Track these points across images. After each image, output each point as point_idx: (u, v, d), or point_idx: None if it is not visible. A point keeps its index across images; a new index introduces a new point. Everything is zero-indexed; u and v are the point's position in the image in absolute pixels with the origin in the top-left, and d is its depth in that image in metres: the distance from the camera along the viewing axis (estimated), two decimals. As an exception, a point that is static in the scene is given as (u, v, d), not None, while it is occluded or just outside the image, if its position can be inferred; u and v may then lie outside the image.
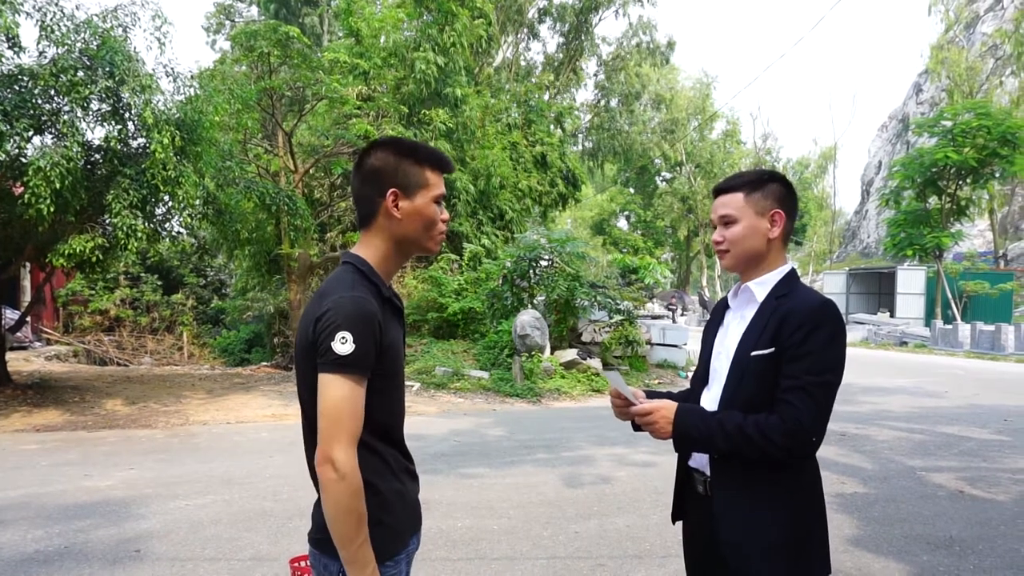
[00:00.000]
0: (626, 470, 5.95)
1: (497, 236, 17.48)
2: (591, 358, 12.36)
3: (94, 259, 8.26)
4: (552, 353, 12.04)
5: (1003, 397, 10.76)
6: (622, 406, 1.77)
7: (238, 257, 15.21)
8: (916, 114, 41.59)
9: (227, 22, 30.38)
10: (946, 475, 5.83)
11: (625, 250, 42.07)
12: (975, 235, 35.70)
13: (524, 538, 4.21)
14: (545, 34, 30.86)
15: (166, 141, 7.75)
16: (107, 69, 7.69)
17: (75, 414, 8.61)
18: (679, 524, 1.92)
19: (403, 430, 1.58)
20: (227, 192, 9.99)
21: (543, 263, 13.31)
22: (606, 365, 12.58)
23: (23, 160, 7.55)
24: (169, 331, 19.94)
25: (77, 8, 8.12)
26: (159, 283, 20.10)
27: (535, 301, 13.18)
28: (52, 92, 7.72)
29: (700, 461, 1.75)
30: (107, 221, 8.32)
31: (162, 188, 7.86)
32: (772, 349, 1.62)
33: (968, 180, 23.15)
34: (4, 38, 7.65)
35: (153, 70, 8.39)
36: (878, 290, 30.10)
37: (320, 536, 1.44)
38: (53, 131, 7.89)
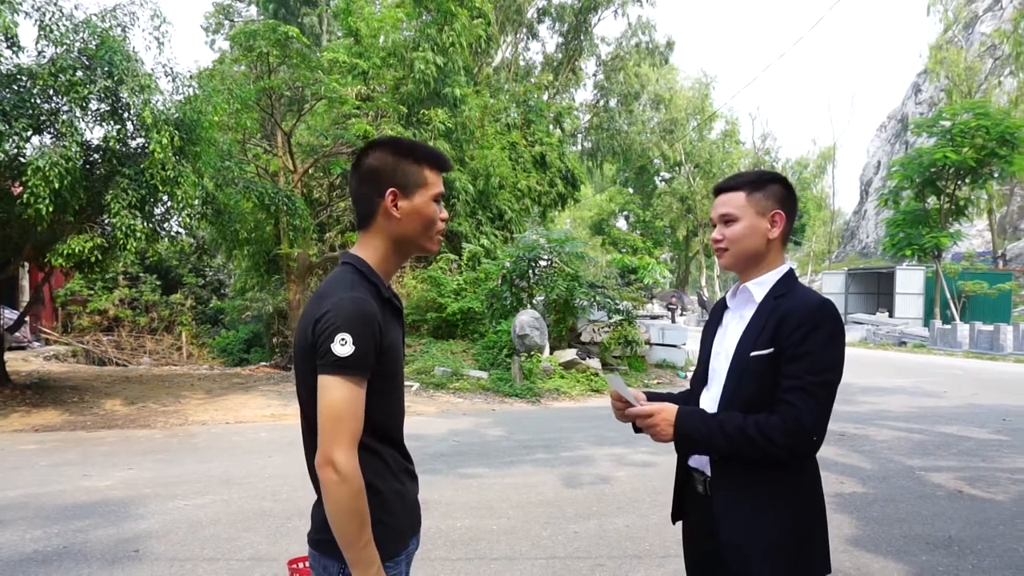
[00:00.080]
0: (625, 470, 5.95)
1: (496, 236, 17.49)
2: (590, 358, 12.36)
3: (93, 259, 8.25)
4: (551, 353, 12.04)
5: (1002, 397, 10.78)
6: (623, 408, 1.78)
7: (237, 257, 15.21)
8: (915, 114, 41.63)
9: (226, 22, 30.35)
10: (945, 475, 5.84)
11: (624, 250, 42.07)
12: (974, 235, 35.74)
13: (523, 538, 4.21)
14: (544, 34, 31.00)
15: (165, 141, 7.75)
16: (106, 69, 7.68)
17: (74, 414, 8.60)
18: (678, 524, 1.92)
19: (403, 431, 1.58)
20: (226, 192, 9.98)
21: (542, 263, 13.32)
22: (605, 365, 12.58)
23: (22, 160, 7.55)
24: (168, 331, 19.93)
25: (76, 8, 8.12)
26: (158, 283, 20.09)
27: (534, 301, 13.19)
28: (51, 92, 7.72)
29: (700, 461, 1.75)
30: (106, 221, 8.31)
31: (161, 188, 7.86)
32: (771, 349, 1.62)
33: (967, 180, 23.17)
34: (3, 38, 7.64)
35: (152, 70, 8.39)
36: (877, 290, 30.12)
37: (319, 537, 1.44)
38: (52, 131, 7.89)
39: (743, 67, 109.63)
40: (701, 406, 1.80)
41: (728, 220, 1.75)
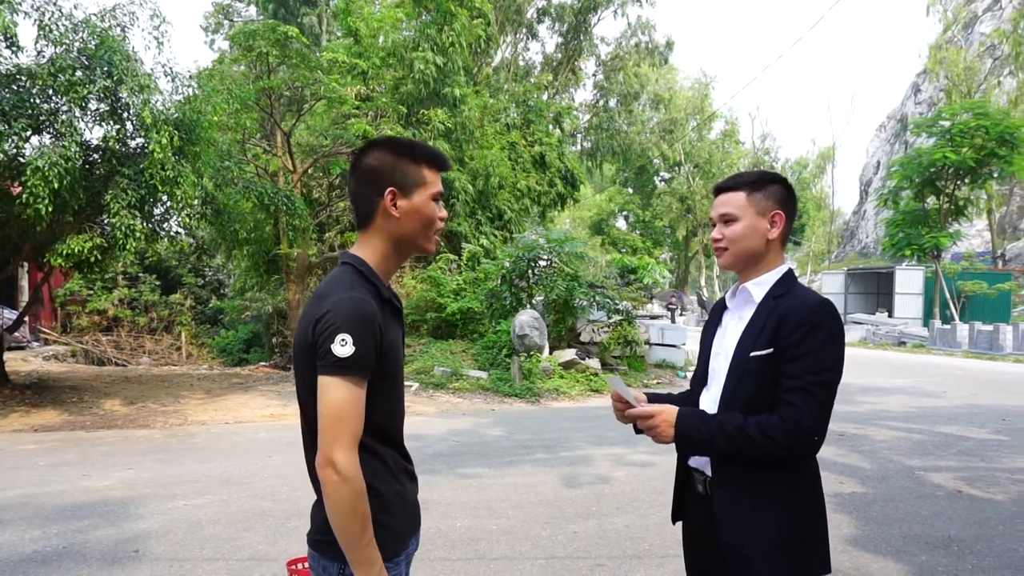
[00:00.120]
0: (625, 470, 5.95)
1: (496, 236, 17.49)
2: (590, 358, 12.36)
3: (92, 259, 8.25)
4: (551, 353, 12.04)
5: (1001, 397, 10.78)
6: (623, 409, 1.78)
7: (236, 257, 15.20)
8: (914, 114, 41.65)
9: (225, 22, 30.36)
10: (944, 475, 5.84)
11: (624, 250, 42.09)
12: (973, 235, 35.76)
13: (523, 538, 4.21)
14: (544, 34, 30.96)
15: (164, 141, 7.75)
16: (105, 69, 7.68)
17: (73, 414, 8.60)
18: (678, 524, 1.92)
19: (403, 431, 1.58)
20: (225, 192, 9.98)
21: (542, 263, 13.32)
22: (605, 365, 12.58)
23: (21, 160, 7.55)
24: (167, 331, 19.92)
25: (75, 7, 8.10)
26: (157, 283, 20.08)
27: (534, 301, 13.19)
28: (50, 92, 7.71)
29: (700, 461, 1.75)
30: (105, 221, 8.31)
31: (160, 188, 7.86)
32: (771, 350, 1.62)
33: (966, 180, 23.18)
34: (2, 37, 7.64)
35: (151, 70, 8.39)
36: (876, 290, 30.13)
37: (319, 538, 1.44)
38: (51, 131, 7.88)
39: (742, 67, 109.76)
40: (701, 406, 1.80)
41: (728, 220, 1.75)
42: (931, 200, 24.10)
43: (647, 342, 13.97)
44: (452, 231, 16.50)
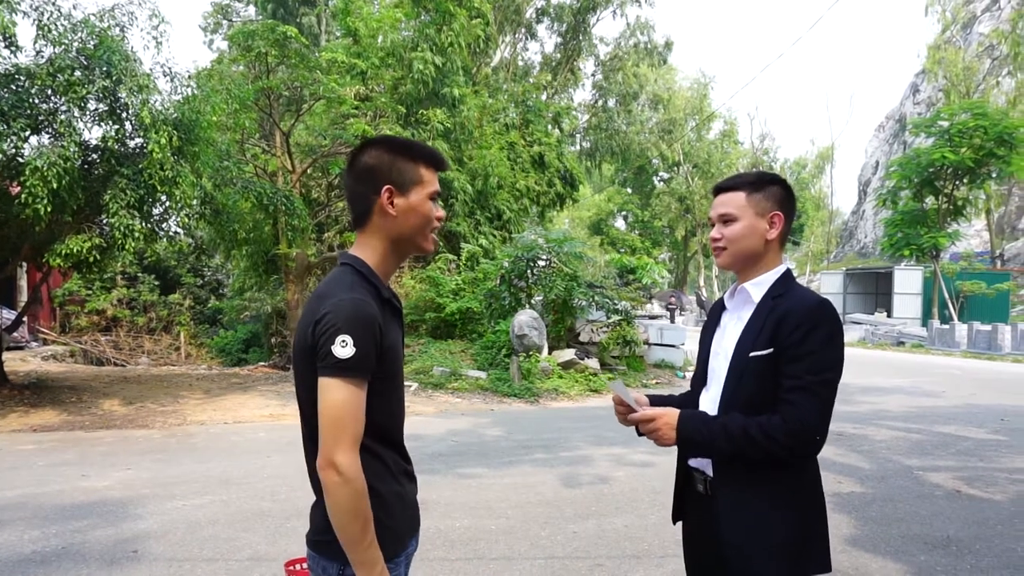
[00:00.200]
0: (624, 470, 5.96)
1: (495, 236, 17.49)
2: (589, 358, 12.36)
3: (91, 259, 8.24)
4: (550, 353, 12.04)
5: (1000, 397, 10.79)
6: (625, 413, 1.78)
7: (235, 257, 15.19)
8: (913, 114, 41.68)
9: (224, 22, 30.34)
10: (943, 475, 5.84)
11: (623, 250, 42.06)
12: (972, 235, 35.78)
13: (522, 538, 4.21)
14: (543, 34, 30.90)
15: (163, 141, 7.74)
16: (104, 69, 7.67)
17: (72, 414, 8.59)
18: (678, 524, 1.93)
19: (403, 432, 1.58)
20: (224, 192, 9.98)
21: (541, 263, 13.32)
22: (604, 365, 12.58)
23: (20, 160, 7.54)
24: (166, 331, 19.91)
25: (74, 7, 8.10)
26: (156, 283, 20.06)
27: (533, 301, 13.19)
28: (49, 92, 7.71)
29: (701, 461, 1.76)
30: (104, 221, 8.31)
31: (159, 188, 7.85)
32: (771, 350, 1.62)
33: (965, 180, 23.20)
34: (1, 37, 7.63)
35: (150, 70, 8.39)
36: (875, 290, 30.15)
37: (319, 538, 1.44)
38: (50, 131, 7.88)
39: (741, 67, 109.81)
40: (701, 407, 1.81)
41: (727, 220, 1.75)
42: (930, 200, 24.13)
43: (646, 342, 13.98)
44: (451, 231, 16.50)
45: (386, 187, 1.47)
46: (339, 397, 1.34)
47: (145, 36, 8.46)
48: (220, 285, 22.40)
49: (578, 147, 35.50)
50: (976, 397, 10.75)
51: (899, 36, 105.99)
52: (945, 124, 22.76)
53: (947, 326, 21.72)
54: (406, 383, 10.73)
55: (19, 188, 7.40)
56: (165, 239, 10.22)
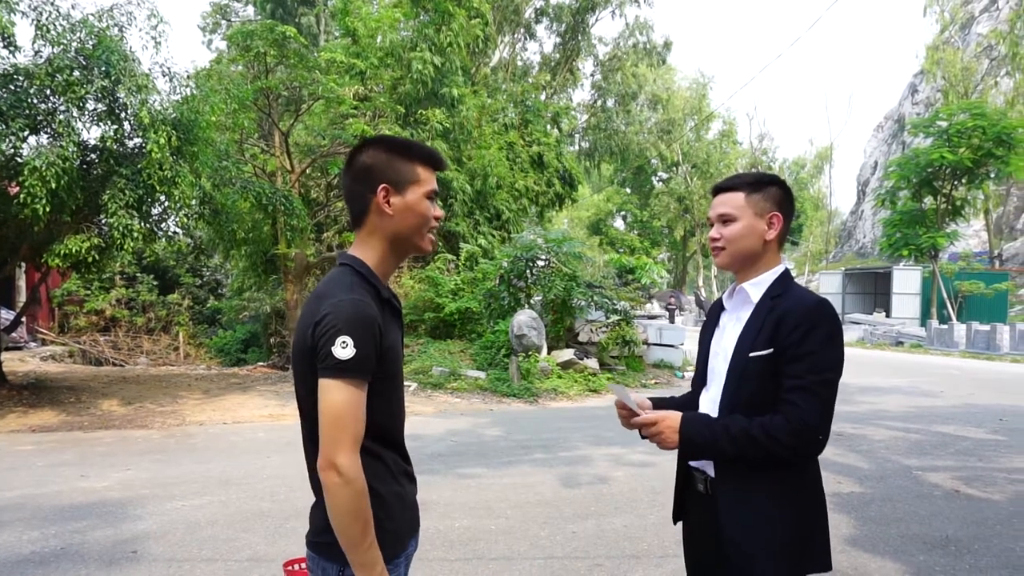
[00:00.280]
0: (623, 470, 5.96)
1: (494, 236, 17.49)
2: (588, 358, 12.37)
3: (90, 259, 8.23)
4: (549, 353, 12.04)
5: (998, 397, 10.80)
6: (628, 417, 1.78)
7: (234, 257, 15.18)
8: (912, 114, 41.72)
9: (223, 22, 30.34)
10: (942, 475, 5.85)
11: (622, 250, 42.09)
12: (970, 235, 35.82)
13: (521, 538, 4.21)
14: (542, 34, 30.84)
15: (162, 141, 7.73)
16: (103, 69, 7.67)
17: (71, 415, 8.59)
18: (677, 524, 1.93)
19: (403, 432, 1.58)
20: (223, 192, 9.97)
21: (540, 263, 13.32)
22: (603, 365, 12.58)
23: (19, 160, 7.53)
24: (165, 331, 19.88)
25: (73, 7, 8.09)
26: (155, 283, 20.04)
27: (532, 301, 13.19)
28: (48, 92, 7.70)
29: (702, 460, 1.76)
30: (103, 221, 8.30)
31: (158, 188, 7.85)
32: (770, 350, 1.63)
33: (963, 180, 23.23)
34: (0, 37, 7.62)
35: (149, 70, 8.38)
36: (874, 290, 30.18)
37: (318, 539, 1.44)
38: (49, 131, 7.86)
39: (740, 67, 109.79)
40: (701, 407, 1.81)
41: (726, 220, 1.76)
42: (928, 200, 24.15)
43: (645, 342, 13.98)
44: (450, 231, 16.49)
45: (382, 186, 1.47)
46: (340, 398, 1.33)
47: (144, 36, 8.45)
48: (219, 285, 22.39)
49: (577, 147, 35.50)
50: (975, 397, 10.76)
51: (897, 36, 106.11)
52: (944, 124, 22.79)
53: (946, 326, 21.74)
54: (405, 383, 10.70)
55: (18, 188, 7.39)
56: (164, 239, 10.21)
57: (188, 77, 8.79)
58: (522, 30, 29.49)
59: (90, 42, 7.84)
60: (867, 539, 4.25)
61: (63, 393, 9.95)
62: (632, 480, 5.62)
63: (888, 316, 26.85)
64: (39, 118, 7.74)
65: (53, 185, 7.10)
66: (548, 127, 22.43)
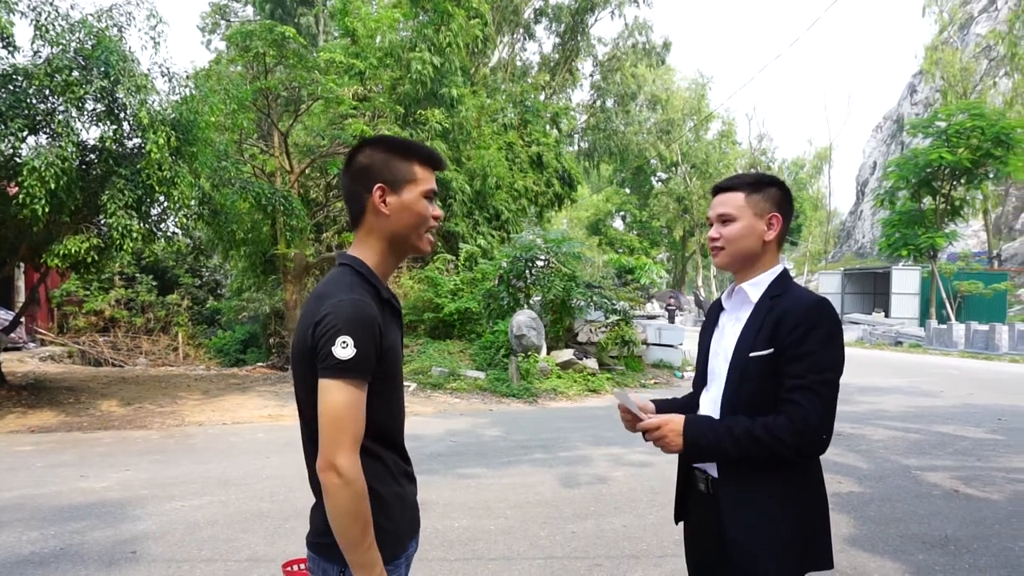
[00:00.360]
0: (623, 470, 5.96)
1: (493, 236, 17.48)
2: (587, 358, 12.37)
3: (89, 259, 8.23)
4: (548, 353, 12.04)
5: (997, 396, 10.81)
6: (632, 421, 1.79)
7: (234, 257, 15.19)
8: (910, 115, 41.76)
9: (222, 22, 30.33)
10: (941, 474, 5.86)
11: (621, 250, 42.14)
12: (969, 235, 35.85)
13: (521, 538, 4.21)
14: (541, 34, 30.81)
15: (161, 141, 7.73)
16: (102, 69, 7.66)
17: (70, 415, 8.58)
18: (677, 524, 1.93)
19: (403, 433, 1.57)
20: (223, 192, 9.96)
21: (539, 263, 13.32)
22: (602, 365, 12.59)
23: (17, 160, 7.53)
24: (164, 332, 19.88)
25: (72, 7, 8.08)
26: (154, 283, 20.04)
27: (531, 301, 13.19)
28: (47, 92, 7.69)
29: (705, 462, 1.76)
30: (102, 221, 8.29)
31: (157, 188, 7.84)
32: (771, 350, 1.63)
33: (962, 180, 23.26)
34: (-1, 37, 7.62)
35: (148, 70, 8.37)
36: (873, 290, 30.20)
37: (319, 540, 1.44)
38: (48, 131, 7.86)
39: (740, 68, 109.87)
40: (701, 407, 1.82)
41: (726, 220, 1.76)
42: (927, 200, 24.18)
43: (644, 342, 13.98)
44: (449, 231, 16.49)
45: (378, 185, 1.47)
46: (339, 398, 1.33)
47: (143, 36, 8.45)
48: (218, 285, 22.39)
49: (576, 147, 35.50)
50: (974, 397, 10.77)
51: (896, 37, 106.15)
52: (942, 125, 22.82)
53: (945, 326, 21.76)
54: (405, 383, 10.70)
55: (17, 188, 7.38)
56: (163, 239, 10.21)
57: (187, 77, 8.79)
58: (521, 30, 29.48)
59: (89, 42, 7.83)
60: (866, 539, 4.25)
61: (62, 394, 9.94)
62: (631, 480, 5.62)
63: (887, 316, 26.87)
64: (38, 118, 7.74)
65: (52, 185, 7.09)
66: (547, 127, 22.42)
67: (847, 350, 1.71)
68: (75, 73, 7.56)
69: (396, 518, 1.47)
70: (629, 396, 1.79)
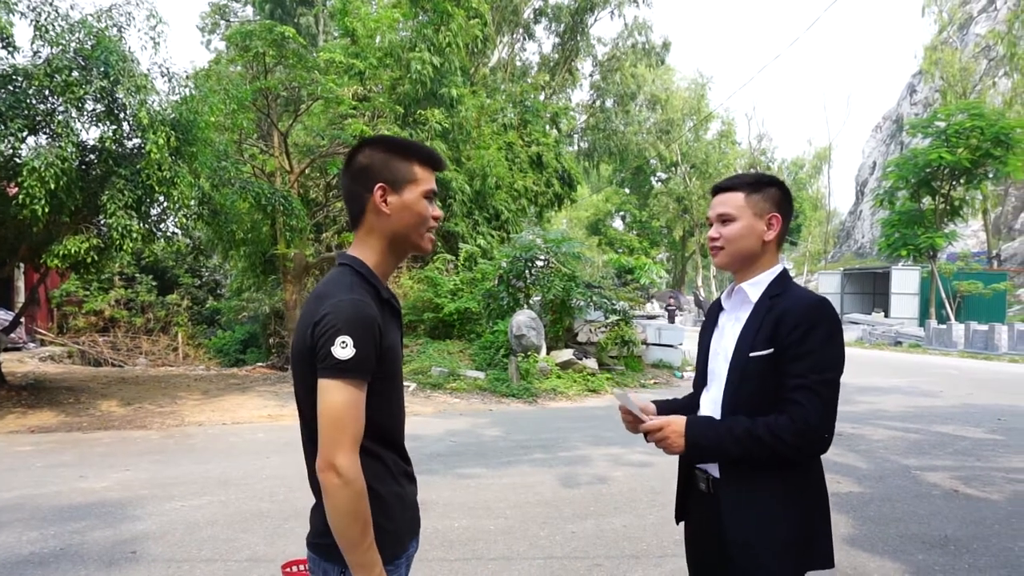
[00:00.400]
0: (622, 470, 5.96)
1: (493, 236, 17.49)
2: (587, 358, 12.37)
3: (89, 260, 8.23)
4: (548, 353, 12.04)
5: (997, 396, 10.82)
6: (634, 422, 1.79)
7: (233, 257, 15.19)
8: (910, 115, 41.75)
9: (222, 22, 30.33)
10: (941, 474, 5.86)
11: (621, 250, 42.13)
12: (968, 235, 35.86)
13: (521, 538, 4.22)
14: (541, 34, 30.77)
15: (161, 141, 7.73)
16: (102, 69, 7.66)
17: (70, 415, 8.58)
18: (678, 524, 1.93)
19: (403, 433, 1.57)
20: (222, 192, 9.97)
21: (539, 263, 13.32)
22: (602, 365, 12.59)
23: (17, 160, 7.53)
24: (164, 332, 19.88)
25: (72, 8, 8.08)
26: (154, 283, 20.04)
27: (531, 301, 13.19)
28: (47, 92, 7.69)
29: (707, 463, 1.76)
30: (102, 222, 8.29)
31: (157, 188, 7.84)
32: (771, 350, 1.63)
33: (962, 180, 23.27)
34: (-2, 38, 7.62)
35: (148, 70, 8.37)
36: (872, 290, 30.21)
37: (319, 541, 1.44)
38: (48, 131, 7.86)
39: (739, 68, 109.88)
40: (701, 407, 1.82)
41: (725, 220, 1.76)
42: (927, 200, 24.19)
43: (644, 342, 13.99)
44: (449, 231, 16.50)
45: (378, 185, 1.47)
46: (339, 399, 1.33)
47: (143, 36, 8.45)
48: (218, 285, 22.39)
49: (576, 147, 35.51)
50: (973, 397, 10.77)
51: (896, 37, 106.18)
52: (942, 125, 22.83)
53: (944, 326, 21.76)
54: (404, 383, 10.71)
55: (16, 189, 7.38)
56: (163, 239, 10.21)
57: (187, 77, 8.79)
58: (521, 30, 29.48)
59: (89, 42, 7.83)
60: (866, 539, 4.25)
61: (62, 394, 9.94)
62: (631, 480, 5.63)
63: (887, 316, 26.88)
64: (38, 119, 7.74)
65: (52, 186, 7.09)
66: (547, 127, 22.43)
67: (847, 350, 1.71)
68: (75, 73, 7.56)
69: (396, 518, 1.47)
70: (630, 397, 1.79)
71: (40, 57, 7.89)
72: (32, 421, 8.24)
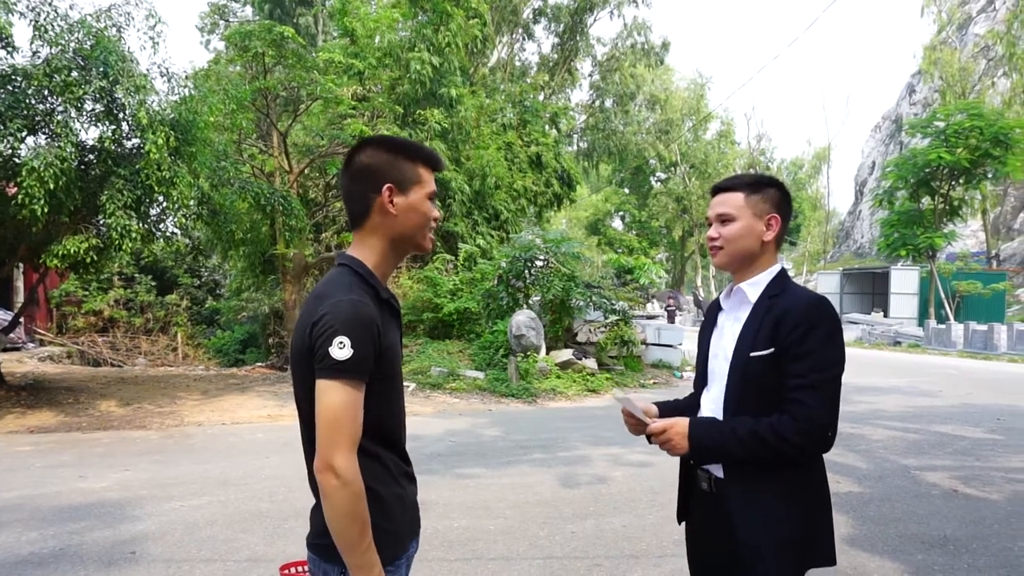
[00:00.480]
0: (622, 470, 5.96)
1: (492, 236, 17.49)
2: (586, 358, 12.37)
3: (88, 260, 8.23)
4: (548, 353, 12.04)
5: (996, 396, 10.82)
6: (636, 425, 1.79)
7: (233, 258, 15.19)
8: (909, 115, 41.77)
9: (221, 22, 30.31)
10: (940, 474, 5.86)
11: (620, 250, 42.12)
12: (968, 235, 35.87)
13: (520, 538, 4.22)
14: (540, 34, 30.63)
15: (160, 141, 7.73)
16: (101, 69, 7.66)
17: (69, 415, 8.57)
18: (679, 524, 1.93)
19: (404, 433, 1.57)
20: (222, 192, 9.97)
21: (538, 263, 13.32)
22: (601, 365, 12.59)
23: (16, 160, 7.52)
24: (163, 332, 19.87)
25: (71, 8, 8.08)
26: (153, 284, 20.03)
27: (530, 301, 13.19)
28: (46, 92, 7.69)
29: (711, 464, 1.76)
30: (101, 222, 8.29)
31: (156, 188, 7.84)
32: (771, 350, 1.63)
33: (961, 180, 23.28)
34: (-2, 38, 7.62)
35: (147, 70, 8.37)
36: (872, 290, 30.21)
37: (319, 541, 1.43)
38: (47, 131, 7.86)
39: (738, 68, 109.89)
40: (702, 407, 1.82)
41: (725, 220, 1.76)
42: (926, 200, 24.21)
43: (644, 342, 13.99)
44: (449, 231, 16.49)
45: (387, 185, 1.47)
46: (337, 399, 1.33)
47: (142, 36, 8.44)
48: (217, 285, 22.38)
49: (575, 147, 35.51)
50: (972, 397, 10.77)
51: (895, 37, 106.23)
52: (941, 125, 22.84)
53: (943, 326, 21.77)
54: (404, 383, 10.70)
55: (16, 189, 7.38)
56: (162, 240, 10.20)
57: (186, 77, 8.79)
58: (520, 30, 29.49)
59: (88, 42, 7.83)
60: (866, 538, 4.26)
61: (61, 394, 9.93)
62: (631, 480, 5.63)
63: (886, 316, 26.88)
64: (37, 119, 7.74)
65: (51, 186, 7.09)
66: (546, 127, 22.43)
67: (846, 350, 1.72)
68: (74, 73, 7.56)
69: (396, 519, 1.47)
70: (632, 400, 1.79)
71: (39, 57, 7.88)
72: (31, 421, 8.23)
